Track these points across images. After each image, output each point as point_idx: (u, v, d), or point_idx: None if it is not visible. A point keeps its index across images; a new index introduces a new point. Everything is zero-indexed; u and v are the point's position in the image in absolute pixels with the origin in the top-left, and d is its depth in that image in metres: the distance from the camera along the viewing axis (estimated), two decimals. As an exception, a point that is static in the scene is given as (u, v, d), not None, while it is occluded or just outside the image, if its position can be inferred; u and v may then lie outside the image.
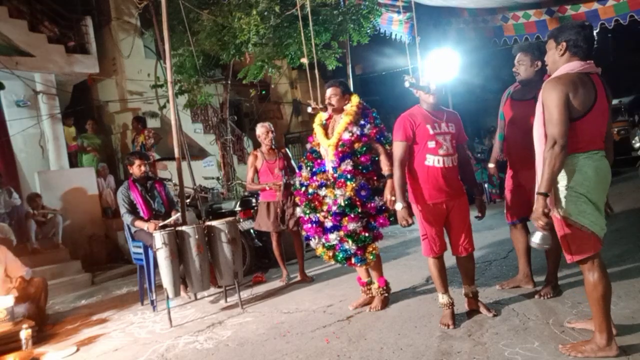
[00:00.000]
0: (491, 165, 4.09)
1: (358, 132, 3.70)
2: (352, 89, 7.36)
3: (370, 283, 4.02)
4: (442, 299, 3.41)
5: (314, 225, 3.84)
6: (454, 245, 3.46)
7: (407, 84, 3.48)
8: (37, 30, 8.32)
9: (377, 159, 3.73)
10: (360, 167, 3.66)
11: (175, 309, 4.69)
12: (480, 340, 3.06)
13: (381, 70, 14.29)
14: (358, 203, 3.63)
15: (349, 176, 3.62)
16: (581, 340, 2.79)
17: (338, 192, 3.64)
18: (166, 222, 4.77)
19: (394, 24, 7.14)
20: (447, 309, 3.38)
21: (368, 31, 7.74)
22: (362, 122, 3.73)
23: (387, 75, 14.04)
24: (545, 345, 2.85)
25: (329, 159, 3.78)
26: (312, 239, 3.91)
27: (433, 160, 3.28)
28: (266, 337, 3.63)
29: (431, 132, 3.29)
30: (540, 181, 2.55)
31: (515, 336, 3.03)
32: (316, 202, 3.84)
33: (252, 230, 6.11)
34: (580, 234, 2.59)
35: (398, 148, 3.33)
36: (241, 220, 6.13)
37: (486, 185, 9.30)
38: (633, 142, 8.93)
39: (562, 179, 2.58)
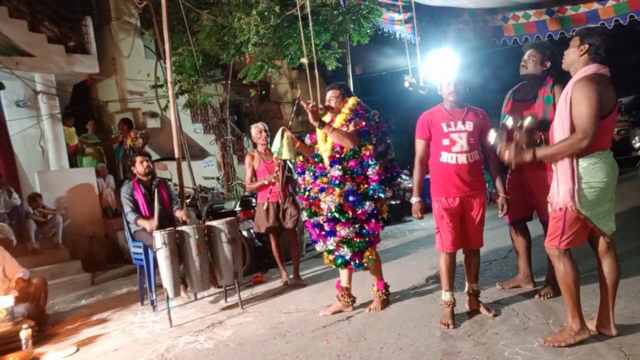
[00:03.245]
0: None
1: None
2: (352, 89, 7.37)
3: (347, 289, 3.98)
4: (445, 296, 3.41)
5: (317, 229, 3.83)
6: (463, 238, 3.49)
7: (406, 84, 3.51)
8: (37, 30, 8.31)
9: (365, 163, 3.67)
10: (349, 172, 3.64)
11: (175, 309, 4.69)
12: (480, 340, 3.06)
13: (381, 70, 14.29)
14: (348, 209, 3.61)
15: (337, 182, 3.61)
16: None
17: (328, 198, 3.65)
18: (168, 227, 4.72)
19: (396, 24, 7.14)
20: (447, 308, 3.39)
21: (368, 31, 7.75)
22: (349, 117, 3.69)
23: (387, 75, 14.04)
24: (545, 345, 2.85)
25: (326, 163, 3.78)
26: (317, 243, 3.88)
27: (447, 157, 3.37)
28: (266, 337, 3.63)
29: (445, 130, 3.38)
30: (543, 149, 2.67)
31: (515, 336, 3.04)
32: (317, 207, 3.85)
33: (252, 230, 6.11)
34: (581, 228, 2.69)
35: (418, 146, 3.51)
36: (241, 220, 6.13)
37: (486, 185, 9.30)
38: (633, 142, 8.93)
39: (585, 175, 2.63)
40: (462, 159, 3.36)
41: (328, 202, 3.64)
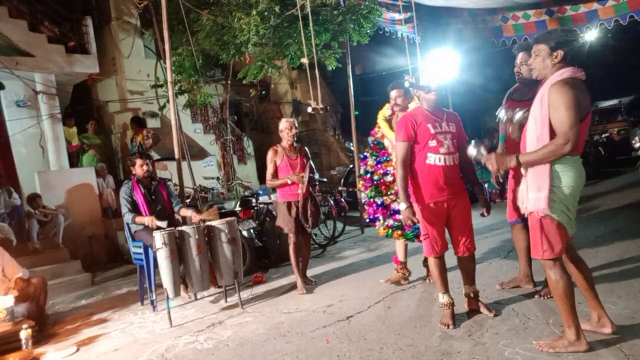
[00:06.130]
0: None
1: None
2: (351, 89, 7.37)
3: (404, 263, 4.51)
4: (443, 299, 3.41)
5: (380, 208, 4.32)
6: (456, 245, 3.47)
7: (407, 84, 3.50)
8: (37, 30, 8.31)
9: None
10: None
11: (175, 309, 4.69)
12: (480, 340, 3.06)
13: (381, 70, 14.30)
14: None
15: None
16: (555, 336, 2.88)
17: None
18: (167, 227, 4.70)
19: (397, 24, 7.15)
20: (447, 309, 3.39)
21: (368, 31, 7.74)
22: None
23: (387, 75, 14.04)
24: (537, 348, 2.84)
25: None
26: (378, 221, 4.40)
27: (434, 159, 3.31)
28: (266, 337, 3.63)
29: (432, 130, 3.32)
30: (526, 155, 2.66)
31: (515, 336, 3.04)
32: (382, 187, 4.35)
33: (252, 230, 6.10)
34: (558, 232, 2.67)
35: (401, 148, 3.36)
36: (241, 220, 6.12)
37: (486, 185, 9.30)
38: (633, 142, 8.92)
39: (555, 179, 2.62)
40: (449, 161, 3.34)
41: None
